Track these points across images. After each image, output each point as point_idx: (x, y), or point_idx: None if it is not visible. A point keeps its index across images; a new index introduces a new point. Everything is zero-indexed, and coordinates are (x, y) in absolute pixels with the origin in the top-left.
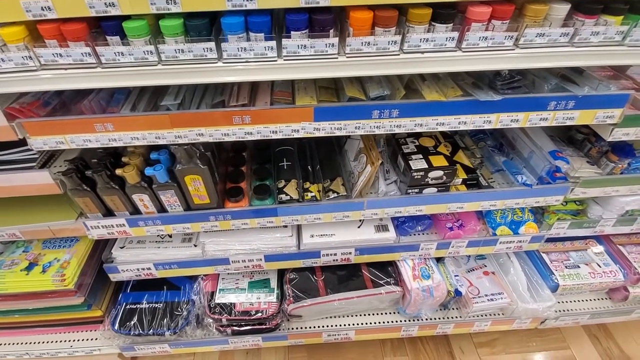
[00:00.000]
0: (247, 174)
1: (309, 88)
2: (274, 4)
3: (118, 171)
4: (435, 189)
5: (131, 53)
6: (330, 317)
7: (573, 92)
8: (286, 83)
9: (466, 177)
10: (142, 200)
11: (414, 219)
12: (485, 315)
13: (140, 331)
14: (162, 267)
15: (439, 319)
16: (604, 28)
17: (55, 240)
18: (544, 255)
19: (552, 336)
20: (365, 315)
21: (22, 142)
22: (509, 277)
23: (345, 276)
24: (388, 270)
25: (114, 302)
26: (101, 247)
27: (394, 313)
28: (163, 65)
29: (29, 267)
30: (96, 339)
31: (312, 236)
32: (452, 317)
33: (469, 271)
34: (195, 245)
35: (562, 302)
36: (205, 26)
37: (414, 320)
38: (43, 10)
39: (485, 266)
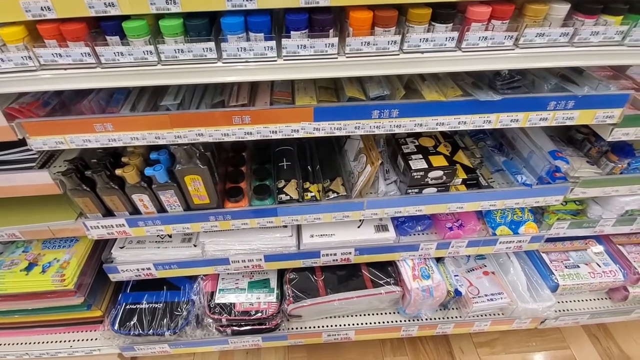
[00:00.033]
0: (247, 174)
1: (308, 88)
2: (273, 4)
3: (118, 171)
4: (435, 189)
5: (131, 53)
6: (330, 317)
7: (573, 92)
8: (286, 83)
9: (466, 177)
10: (142, 201)
11: (414, 219)
12: (485, 315)
13: (140, 331)
14: (162, 267)
15: (439, 319)
16: (603, 28)
17: (55, 241)
18: (543, 255)
19: (551, 336)
20: (365, 315)
21: (22, 142)
22: (508, 277)
23: (345, 276)
24: (388, 270)
25: (114, 302)
26: (101, 247)
27: (394, 313)
28: (163, 65)
29: (29, 267)
30: (96, 339)
31: (312, 236)
32: (451, 317)
33: (468, 271)
34: (195, 246)
35: (562, 302)
36: (205, 26)
37: (413, 320)
38: (42, 10)
39: (485, 266)
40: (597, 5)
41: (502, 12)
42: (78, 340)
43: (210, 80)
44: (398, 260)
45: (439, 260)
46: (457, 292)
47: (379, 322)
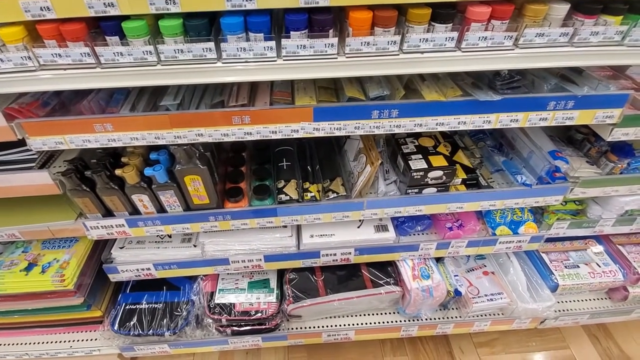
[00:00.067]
0: (247, 174)
1: (308, 88)
2: (273, 4)
3: (117, 171)
4: (435, 189)
5: (130, 53)
6: (330, 317)
7: (572, 92)
8: (286, 83)
9: (466, 177)
10: (142, 201)
11: (414, 219)
12: (485, 315)
13: (140, 331)
14: (162, 267)
15: (439, 319)
16: (603, 28)
17: (55, 241)
18: (543, 255)
19: (551, 336)
20: (365, 315)
21: (22, 143)
22: (508, 277)
23: (345, 276)
24: (388, 270)
25: (114, 303)
26: (101, 248)
27: (394, 313)
28: (162, 65)
29: (29, 268)
30: (96, 339)
31: (311, 236)
32: (451, 317)
33: (468, 271)
34: (195, 246)
35: (562, 302)
36: (205, 26)
37: (413, 320)
38: (42, 10)
39: (485, 266)
40: (597, 5)
41: (502, 12)
42: (78, 341)
43: (210, 81)
44: (398, 261)
45: (438, 260)
46: (457, 292)
47: (379, 322)
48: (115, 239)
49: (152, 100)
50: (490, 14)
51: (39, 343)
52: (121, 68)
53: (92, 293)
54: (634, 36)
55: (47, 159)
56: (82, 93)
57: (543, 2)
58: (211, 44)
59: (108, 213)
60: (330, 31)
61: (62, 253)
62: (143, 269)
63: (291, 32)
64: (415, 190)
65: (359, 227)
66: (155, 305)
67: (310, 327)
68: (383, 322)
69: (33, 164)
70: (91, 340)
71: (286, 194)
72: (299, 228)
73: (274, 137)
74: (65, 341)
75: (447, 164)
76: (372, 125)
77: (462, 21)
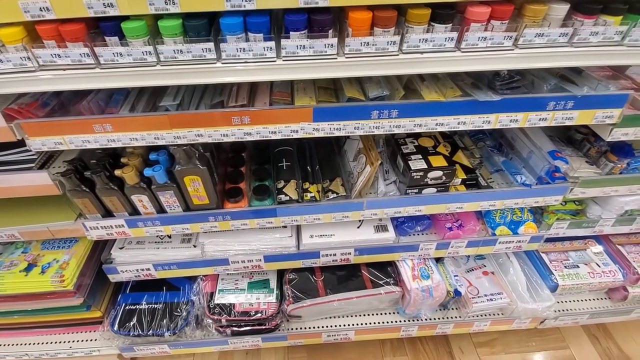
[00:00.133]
0: (247, 174)
1: (308, 88)
2: (272, 5)
3: (117, 172)
4: (435, 189)
5: (130, 54)
6: (330, 317)
7: (572, 92)
8: (285, 83)
9: (465, 177)
10: (141, 201)
11: (414, 219)
12: (485, 315)
13: (140, 332)
14: (162, 267)
15: (439, 319)
16: (603, 28)
17: (54, 241)
18: (543, 255)
19: (551, 336)
20: (364, 315)
21: (21, 143)
22: (508, 277)
23: (345, 276)
24: (387, 271)
25: (114, 303)
26: (100, 248)
27: (394, 313)
28: (162, 65)
29: (28, 268)
30: (95, 339)
31: (311, 236)
32: (451, 317)
33: (468, 271)
34: (195, 246)
35: (562, 302)
36: (204, 26)
37: (413, 321)
38: (41, 10)
39: (485, 266)
40: (597, 6)
41: (502, 12)
42: (77, 341)
43: (210, 81)
44: (398, 261)
45: (438, 260)
46: (457, 292)
47: (379, 322)
48: (115, 240)
49: (151, 100)
50: (489, 14)
51: (38, 343)
52: (120, 68)
53: (92, 293)
54: (633, 36)
55: (46, 160)
56: (82, 93)
57: (543, 2)
58: (211, 44)
59: (107, 213)
60: (330, 31)
61: (62, 253)
62: (143, 270)
63: (291, 33)
64: (415, 191)
65: (358, 227)
66: (155, 306)
67: (310, 328)
68: (383, 322)
69: (32, 165)
70: (91, 340)
71: (286, 194)
72: (298, 228)
73: (273, 137)
74: (65, 342)
75: (446, 164)
76: (372, 126)
77: (462, 21)
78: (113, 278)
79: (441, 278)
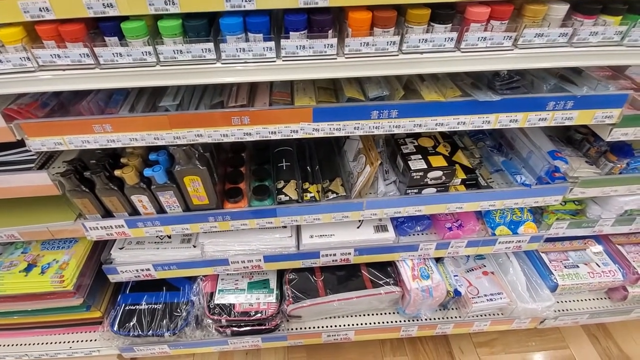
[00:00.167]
0: (246, 174)
1: (307, 89)
2: (272, 5)
3: (117, 172)
4: (435, 189)
5: (129, 54)
6: (330, 317)
7: (572, 92)
8: (285, 84)
9: (465, 177)
10: (141, 201)
11: (413, 219)
12: (485, 315)
13: (140, 332)
14: (161, 268)
15: (439, 319)
16: (602, 28)
17: (54, 242)
18: (543, 255)
19: (551, 336)
20: (364, 315)
21: (21, 143)
22: (508, 277)
23: (345, 276)
24: (387, 271)
25: (113, 303)
26: (100, 248)
27: (394, 313)
28: (161, 66)
29: (28, 269)
30: (95, 340)
31: (311, 237)
32: (451, 317)
33: (468, 271)
34: (195, 246)
35: (561, 301)
36: (204, 27)
37: (413, 321)
38: (41, 11)
39: (485, 266)
40: (596, 6)
41: (501, 12)
42: (77, 342)
43: (209, 81)
44: (397, 261)
45: (438, 260)
46: (457, 292)
47: (379, 323)
48: (115, 240)
49: (151, 100)
50: (489, 14)
51: (38, 344)
52: (120, 69)
53: (92, 294)
54: (633, 36)
55: (46, 160)
56: (81, 94)
57: (542, 2)
58: (210, 45)
59: (107, 214)
60: (330, 32)
61: (62, 254)
62: (142, 270)
63: (290, 33)
64: (415, 191)
65: (358, 227)
66: (155, 306)
67: (310, 328)
68: (383, 322)
69: (32, 165)
70: (91, 341)
71: (286, 195)
72: (298, 228)
73: (273, 137)
74: (64, 342)
75: (446, 164)
76: (372, 126)
77: (462, 21)
78: (113, 278)
79: (441, 278)
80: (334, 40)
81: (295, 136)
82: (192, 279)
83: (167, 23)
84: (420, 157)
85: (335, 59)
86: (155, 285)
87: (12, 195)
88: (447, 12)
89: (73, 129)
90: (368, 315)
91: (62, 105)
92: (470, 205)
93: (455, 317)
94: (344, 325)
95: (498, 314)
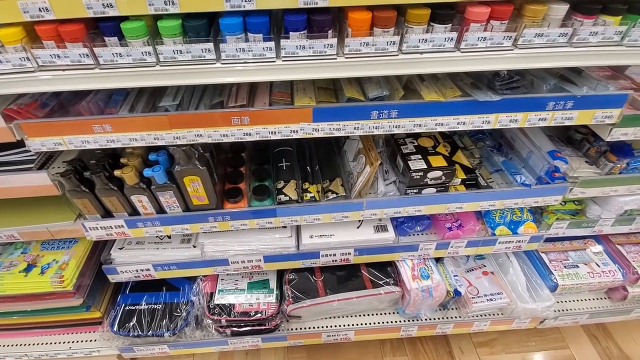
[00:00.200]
0: (246, 174)
1: (307, 89)
2: (272, 5)
3: (116, 172)
4: (434, 189)
5: (129, 54)
6: (330, 317)
7: (572, 92)
8: (285, 84)
9: (465, 177)
10: (141, 202)
11: (413, 219)
12: (485, 315)
13: (140, 332)
14: (161, 268)
15: (439, 319)
16: (602, 28)
17: (54, 242)
18: (543, 255)
19: (551, 336)
20: (364, 315)
21: (20, 144)
22: (508, 277)
23: (345, 277)
24: (387, 271)
25: (113, 304)
26: (100, 248)
27: (394, 313)
28: (161, 66)
29: (28, 269)
30: (95, 340)
31: (311, 237)
32: (451, 317)
33: (468, 271)
34: (194, 246)
35: (561, 301)
36: (204, 27)
37: (413, 321)
38: (41, 11)
39: (485, 266)
40: (596, 6)
41: (501, 12)
42: (77, 342)
43: (209, 81)
44: (397, 261)
45: (438, 260)
46: (457, 292)
47: (379, 323)
48: (115, 240)
49: (151, 101)
50: (489, 14)
51: (38, 344)
52: (120, 69)
53: (92, 294)
54: (633, 36)
55: (45, 160)
56: (81, 94)
57: (542, 2)
58: (210, 45)
59: (107, 214)
60: (330, 32)
61: (62, 254)
62: (142, 270)
63: (290, 33)
64: (415, 191)
65: (358, 227)
66: (155, 306)
67: (309, 328)
68: (383, 323)
69: (32, 165)
70: (90, 341)
71: (285, 195)
72: (298, 228)
73: (273, 137)
74: (64, 342)
75: (446, 164)
76: (372, 126)
77: (461, 21)
78: (113, 278)
79: (441, 278)
80: (334, 40)
81: (295, 136)
82: (192, 279)
83: (167, 23)
84: (420, 157)
85: (335, 59)
86: (155, 285)
87: (12, 195)
88: (447, 12)
89: (73, 129)
90: (368, 315)
91: (61, 105)
92: (470, 205)
93: (455, 317)
94: (344, 326)
95: (498, 314)
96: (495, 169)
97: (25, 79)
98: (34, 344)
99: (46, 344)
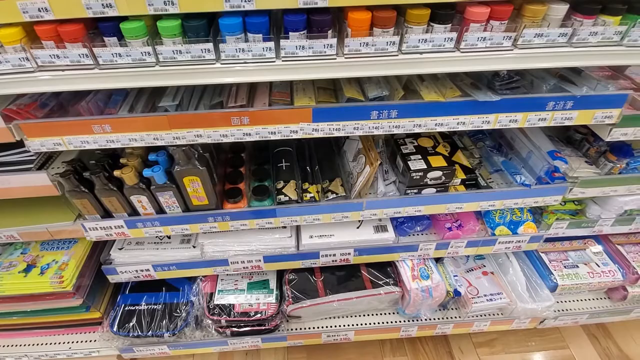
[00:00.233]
0: (246, 175)
1: (307, 89)
2: (272, 5)
3: (116, 173)
4: (434, 190)
5: (129, 54)
6: (330, 317)
7: (571, 92)
8: (284, 84)
9: (465, 177)
10: (141, 202)
11: (413, 219)
12: (485, 315)
13: (139, 333)
14: (161, 268)
15: (438, 319)
16: (602, 28)
17: (54, 242)
18: (542, 255)
19: (551, 336)
20: (364, 315)
21: (20, 144)
22: (508, 277)
23: (345, 277)
24: (387, 271)
25: (113, 304)
26: (100, 249)
27: (393, 313)
28: (161, 66)
29: (27, 269)
30: (95, 340)
31: (311, 237)
32: (451, 317)
33: (468, 271)
34: (194, 247)
35: (561, 301)
36: (203, 27)
37: (413, 321)
38: (40, 11)
39: (484, 266)
40: (596, 6)
41: (501, 12)
42: (77, 342)
43: (209, 81)
44: (397, 261)
45: (438, 260)
46: (457, 293)
47: (379, 323)
48: (114, 240)
49: (150, 101)
50: (489, 14)
51: (38, 344)
52: (119, 69)
53: (91, 294)
54: (632, 36)
55: (45, 160)
56: (81, 94)
57: (542, 2)
58: (210, 45)
59: (107, 214)
60: (329, 32)
61: (61, 254)
62: (142, 270)
63: (290, 33)
64: (415, 191)
65: (358, 227)
66: (155, 307)
67: (309, 328)
68: (382, 323)
69: (31, 165)
70: (90, 341)
71: (285, 195)
72: (298, 229)
73: (273, 137)
74: (64, 342)
75: (446, 165)
76: (371, 126)
77: (461, 22)
78: (112, 279)
79: (441, 278)
80: (334, 41)
81: (294, 136)
82: (191, 280)
83: (167, 23)
84: (420, 157)
85: (335, 59)
86: (155, 285)
87: (11, 195)
88: (447, 12)
89: (72, 130)
90: (368, 315)
91: (61, 105)
92: (469, 205)
93: (455, 317)
94: (344, 326)
95: (498, 314)
96: (495, 169)
97: (25, 79)
98: (33, 345)
99: (46, 344)
